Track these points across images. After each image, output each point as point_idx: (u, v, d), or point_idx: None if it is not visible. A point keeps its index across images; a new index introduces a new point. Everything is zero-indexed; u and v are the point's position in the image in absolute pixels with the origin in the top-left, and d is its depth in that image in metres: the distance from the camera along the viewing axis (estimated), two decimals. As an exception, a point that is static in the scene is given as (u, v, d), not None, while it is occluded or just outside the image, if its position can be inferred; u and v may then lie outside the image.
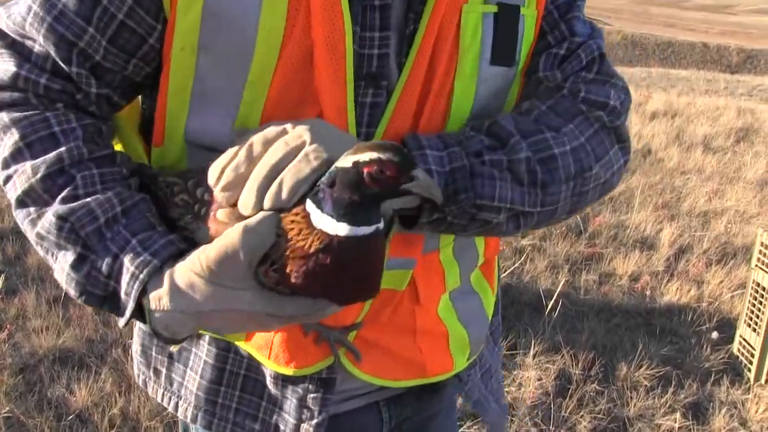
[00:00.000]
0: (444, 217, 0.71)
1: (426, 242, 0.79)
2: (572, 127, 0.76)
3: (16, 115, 0.67)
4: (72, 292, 0.66)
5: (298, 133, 0.63)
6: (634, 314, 3.09)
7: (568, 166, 0.74)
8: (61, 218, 0.64)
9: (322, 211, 0.57)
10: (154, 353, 0.90)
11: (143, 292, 0.63)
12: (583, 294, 3.18)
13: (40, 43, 0.67)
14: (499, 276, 0.99)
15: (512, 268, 3.24)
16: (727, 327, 2.99)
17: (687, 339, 2.90)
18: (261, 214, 0.60)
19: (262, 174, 0.61)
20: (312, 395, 0.80)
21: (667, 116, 6.73)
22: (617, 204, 4.24)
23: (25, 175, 0.66)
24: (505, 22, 0.75)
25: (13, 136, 0.67)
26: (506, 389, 2.43)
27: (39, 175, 0.65)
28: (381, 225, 0.59)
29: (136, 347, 0.92)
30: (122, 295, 0.63)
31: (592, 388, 2.49)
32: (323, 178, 0.58)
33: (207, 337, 0.83)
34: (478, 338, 0.90)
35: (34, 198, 0.66)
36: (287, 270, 0.58)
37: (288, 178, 0.60)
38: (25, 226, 0.67)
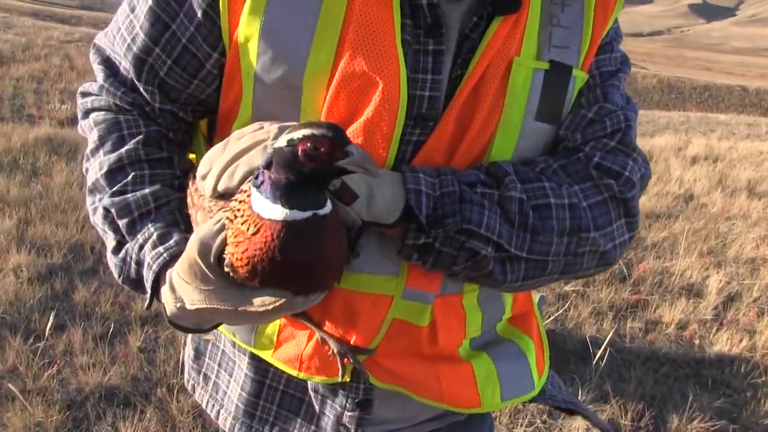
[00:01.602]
0: (432, 244, 0.71)
1: (446, 280, 0.79)
2: (577, 189, 0.76)
3: (99, 117, 0.80)
4: (114, 274, 0.77)
5: (269, 128, 0.68)
6: (682, 364, 2.98)
7: (562, 219, 0.74)
8: (106, 209, 0.75)
9: (261, 194, 0.57)
10: (207, 359, 0.94)
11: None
12: (629, 342, 3.09)
13: (120, 60, 0.79)
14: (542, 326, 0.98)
15: (556, 315, 3.19)
16: (784, 380, 2.88)
17: (741, 392, 2.79)
18: (212, 220, 0.64)
19: (223, 162, 0.68)
20: (349, 414, 0.81)
21: (708, 161, 6.62)
22: (661, 250, 4.16)
23: (94, 169, 0.78)
24: (556, 80, 0.76)
25: (94, 135, 0.79)
26: (553, 440, 2.36)
27: (103, 171, 0.77)
28: (322, 212, 0.57)
29: (189, 351, 0.97)
30: (144, 282, 0.72)
31: (643, 441, 2.40)
32: (262, 161, 0.58)
33: (248, 351, 0.85)
34: (512, 378, 0.88)
35: (99, 188, 0.77)
36: (231, 255, 0.59)
37: (242, 164, 0.66)
38: (89, 212, 0.78)
